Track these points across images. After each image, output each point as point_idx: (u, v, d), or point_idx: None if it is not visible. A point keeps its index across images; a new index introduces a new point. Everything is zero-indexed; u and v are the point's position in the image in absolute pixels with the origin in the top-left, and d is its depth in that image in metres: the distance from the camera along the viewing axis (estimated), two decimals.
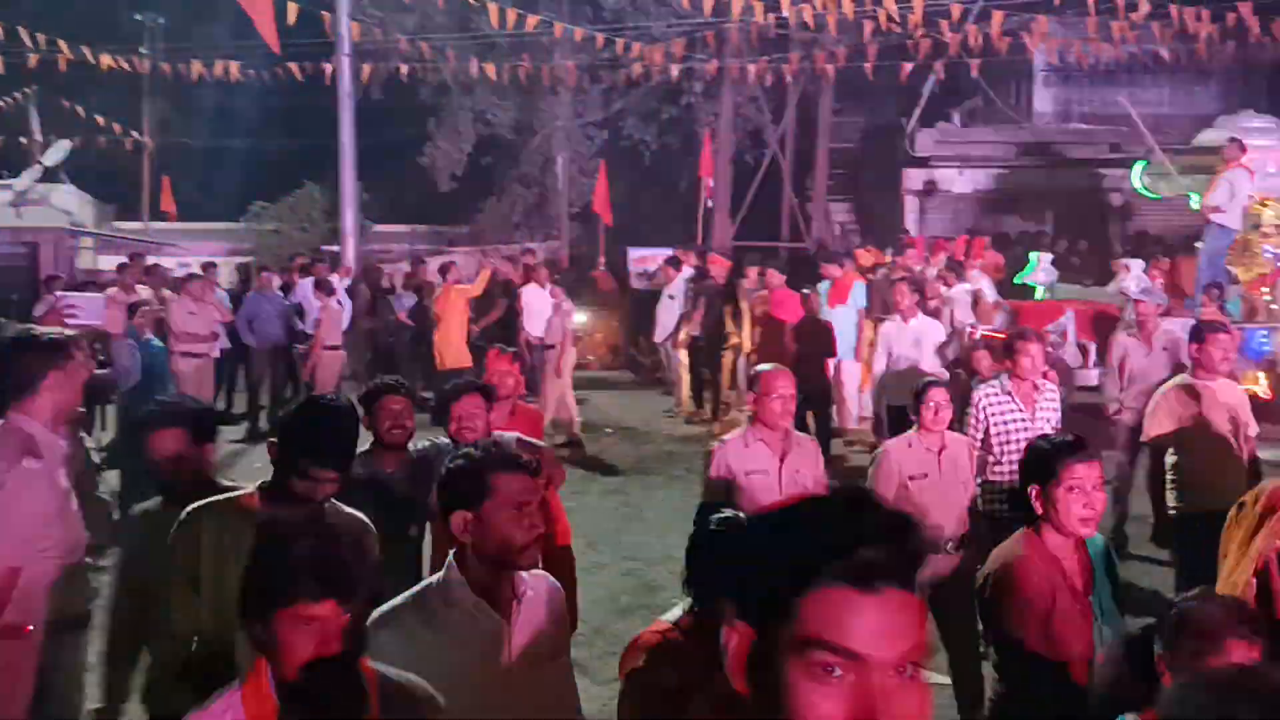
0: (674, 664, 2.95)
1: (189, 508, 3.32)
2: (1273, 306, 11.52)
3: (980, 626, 4.03)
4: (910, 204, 22.82)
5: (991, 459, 6.24)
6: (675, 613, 3.14)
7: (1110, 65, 20.95)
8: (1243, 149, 12.69)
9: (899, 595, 1.32)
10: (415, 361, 14.92)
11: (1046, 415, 6.36)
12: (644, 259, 19.29)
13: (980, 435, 6.28)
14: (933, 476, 5.38)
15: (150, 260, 16.25)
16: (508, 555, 2.72)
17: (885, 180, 23.47)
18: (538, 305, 13.73)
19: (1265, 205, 12.24)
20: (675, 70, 20.11)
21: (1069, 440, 3.59)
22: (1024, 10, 17.97)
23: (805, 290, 11.84)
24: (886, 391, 9.89)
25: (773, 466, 4.99)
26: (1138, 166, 16.13)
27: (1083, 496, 3.45)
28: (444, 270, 14.15)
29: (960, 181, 22.77)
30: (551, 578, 2.98)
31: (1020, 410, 6.30)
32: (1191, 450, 5.96)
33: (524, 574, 2.81)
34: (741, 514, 3.23)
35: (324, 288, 13.40)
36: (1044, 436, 3.71)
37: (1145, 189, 16.16)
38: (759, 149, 24.94)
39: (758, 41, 21.01)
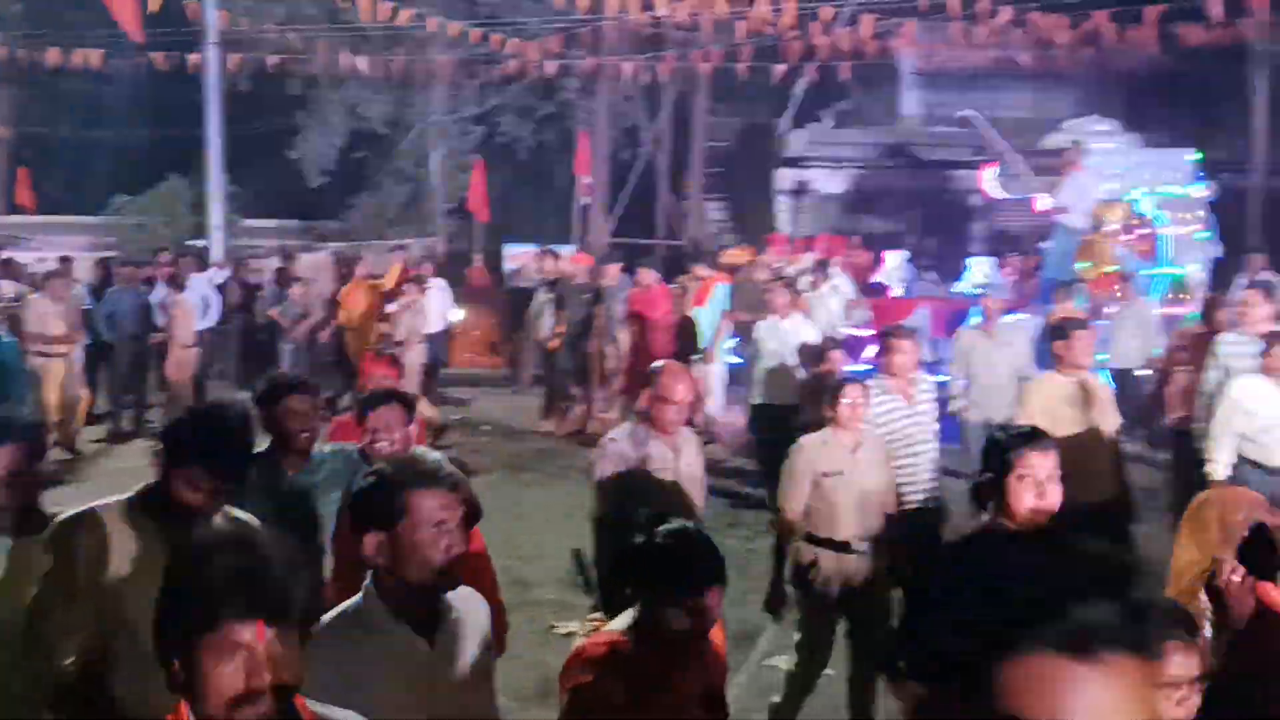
0: (624, 676, 2.85)
1: (60, 518, 3.13)
2: (1115, 305, 12.07)
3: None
4: (782, 203, 23.28)
5: None
6: (621, 621, 3.02)
7: (974, 70, 21.66)
8: (1084, 152, 13.31)
9: (1127, 664, 1.07)
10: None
11: (924, 409, 6.48)
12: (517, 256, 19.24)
13: None
14: (848, 474, 5.31)
15: (4, 254, 15.66)
16: (427, 577, 2.54)
17: (759, 180, 23.87)
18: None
19: (1108, 207, 12.87)
20: (551, 67, 20.14)
21: (1024, 430, 3.57)
22: (892, 15, 18.47)
23: (674, 286, 11.99)
24: (761, 390, 9.87)
25: (668, 462, 4.94)
26: (989, 169, 16.77)
27: (1035, 486, 3.42)
28: (348, 264, 13.91)
29: (830, 182, 23.31)
30: (481, 597, 2.83)
31: (900, 406, 6.40)
32: (1061, 445, 6.09)
33: (449, 594, 2.63)
34: (690, 524, 3.08)
35: (176, 283, 13.07)
36: (1001, 426, 3.64)
37: (996, 190, 16.83)
38: (635, 147, 25.10)
39: (633, 40, 21.17)
